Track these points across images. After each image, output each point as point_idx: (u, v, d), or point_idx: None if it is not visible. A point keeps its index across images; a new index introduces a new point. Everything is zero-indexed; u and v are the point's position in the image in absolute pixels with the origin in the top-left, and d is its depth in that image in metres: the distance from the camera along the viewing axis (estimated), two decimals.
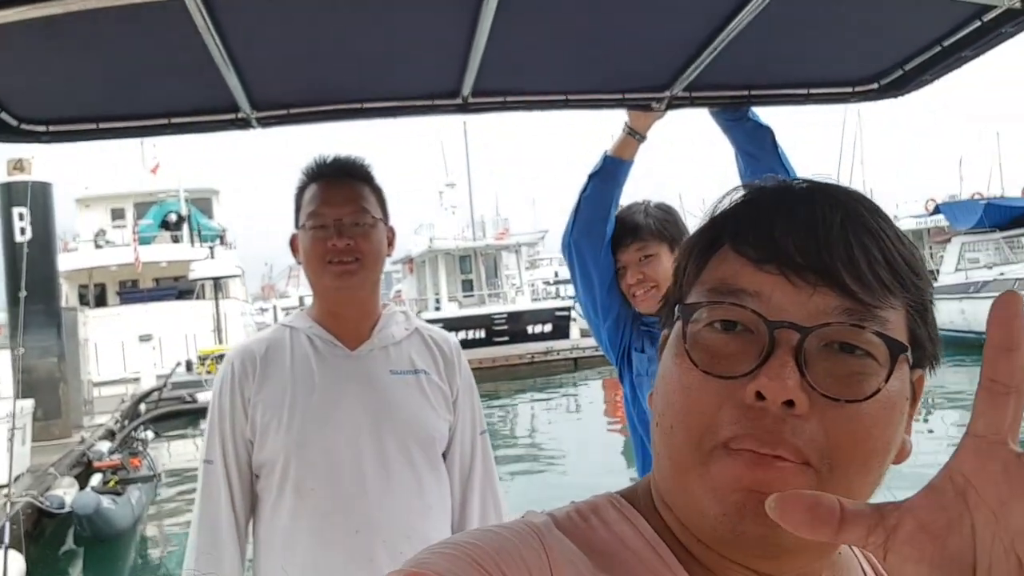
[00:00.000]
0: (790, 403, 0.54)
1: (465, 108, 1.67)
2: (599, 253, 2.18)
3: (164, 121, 1.60)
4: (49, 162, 14.73)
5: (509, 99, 1.71)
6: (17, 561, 7.09)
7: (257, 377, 1.72)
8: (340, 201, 1.71)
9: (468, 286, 28.46)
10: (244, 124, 1.64)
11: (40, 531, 8.77)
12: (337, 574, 1.65)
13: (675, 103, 1.75)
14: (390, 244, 1.80)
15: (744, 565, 0.60)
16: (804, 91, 1.76)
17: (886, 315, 0.57)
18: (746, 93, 1.76)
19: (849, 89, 1.76)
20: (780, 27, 1.42)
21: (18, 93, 1.44)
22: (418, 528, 1.71)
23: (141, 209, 30.25)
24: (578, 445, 12.95)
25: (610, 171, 2.13)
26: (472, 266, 28.61)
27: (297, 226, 1.77)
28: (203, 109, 1.62)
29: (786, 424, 0.54)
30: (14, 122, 1.50)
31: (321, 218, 1.70)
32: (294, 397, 1.69)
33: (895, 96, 1.73)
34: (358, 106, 1.66)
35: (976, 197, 26.48)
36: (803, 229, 0.58)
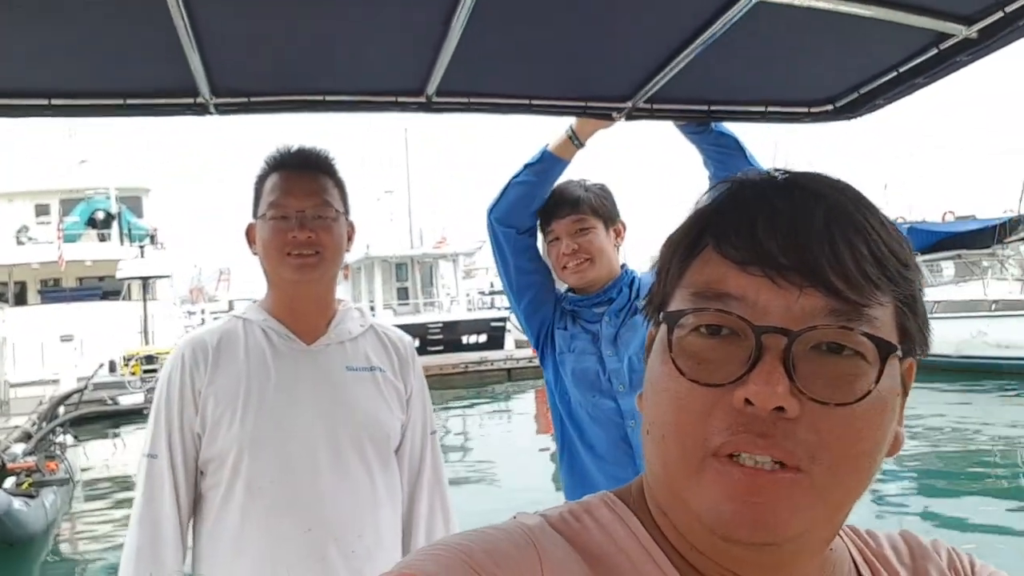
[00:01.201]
0: (780, 408, 0.54)
1: (429, 107, 1.67)
2: (518, 236, 2.22)
3: (120, 101, 1.56)
4: None
5: (473, 100, 1.72)
6: None
7: (209, 368, 1.67)
8: (303, 193, 1.69)
9: (403, 294, 28.31)
10: (202, 110, 1.60)
11: None
12: (288, 572, 1.62)
13: (635, 115, 1.77)
14: (350, 239, 1.79)
15: (735, 572, 0.60)
16: (762, 108, 1.80)
17: (874, 313, 0.57)
18: (705, 108, 1.80)
19: (805, 109, 1.80)
20: (742, 46, 1.46)
21: None
22: (370, 527, 1.70)
23: (67, 206, 29.27)
24: (509, 456, 12.97)
25: (546, 166, 2.16)
26: (408, 274, 28.47)
27: (256, 215, 1.74)
28: (161, 91, 1.57)
29: (777, 427, 0.54)
30: None
31: (283, 209, 1.67)
32: (248, 390, 1.65)
33: (849, 118, 1.78)
34: (320, 98, 1.64)
35: (899, 221, 27.50)
36: (786, 227, 0.57)
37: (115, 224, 28.47)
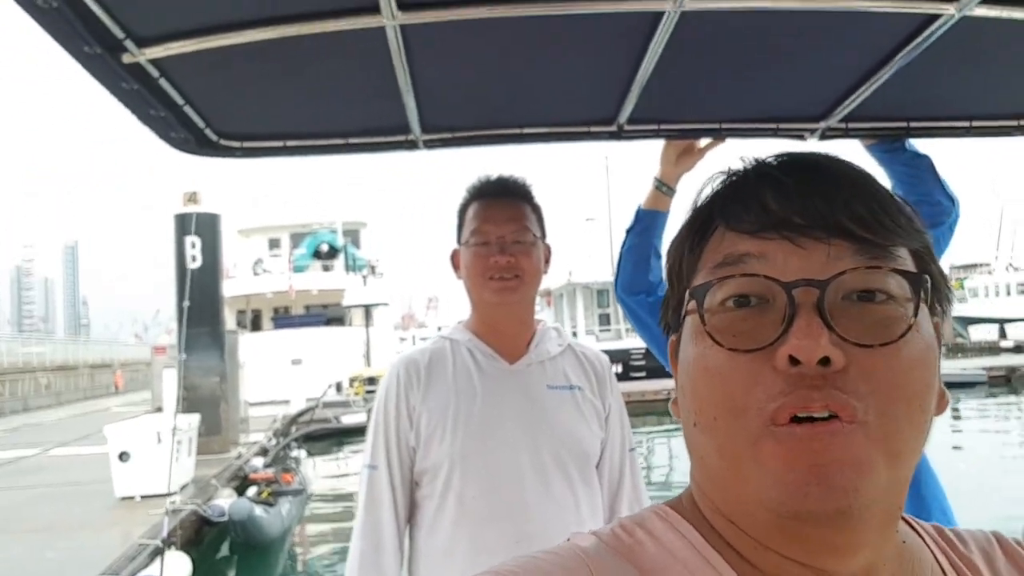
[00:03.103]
0: (825, 361, 0.52)
1: (620, 135, 1.72)
2: (647, 300, 2.17)
3: (342, 141, 1.70)
4: (217, 195, 15.82)
5: (663, 127, 1.75)
6: (184, 563, 7.63)
7: (422, 386, 1.76)
8: (502, 219, 1.76)
9: (605, 320, 28.41)
10: (412, 145, 1.72)
11: (200, 537, 9.35)
12: None
13: (829, 134, 1.74)
14: (547, 261, 1.85)
15: (803, 563, 0.57)
16: (967, 123, 1.71)
17: (899, 252, 0.57)
18: (904, 125, 1.73)
19: (1014, 123, 1.71)
20: (943, 60, 1.40)
21: (222, 111, 1.55)
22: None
23: (296, 239, 31.93)
24: None
25: (645, 224, 2.12)
26: (610, 300, 28.54)
27: (459, 242, 1.84)
28: (378, 130, 1.70)
29: (827, 380, 0.53)
30: (215, 137, 1.62)
31: (484, 235, 1.76)
32: (457, 407, 1.73)
33: None
34: (517, 131, 1.72)
35: None
36: (797, 194, 0.57)
37: (340, 256, 30.62)
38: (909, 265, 0.58)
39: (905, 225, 0.58)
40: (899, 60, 1.40)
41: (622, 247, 2.21)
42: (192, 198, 14.89)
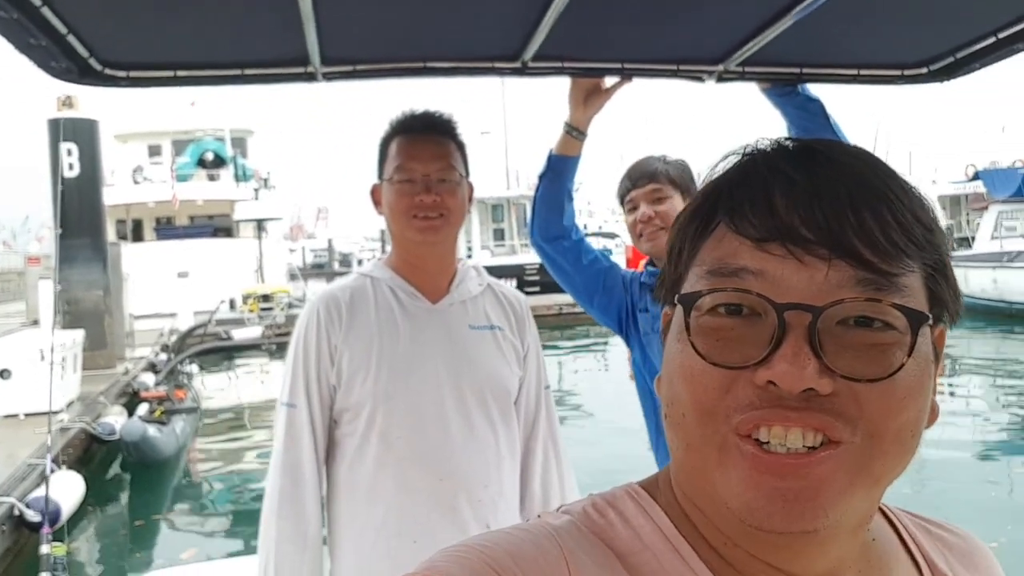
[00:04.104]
0: (810, 388, 0.51)
1: (524, 71, 1.71)
2: (563, 245, 2.26)
3: (238, 72, 1.64)
4: (95, 99, 14.91)
5: (567, 65, 1.75)
6: (77, 482, 7.49)
7: (344, 324, 1.75)
8: (428, 157, 1.75)
9: (500, 235, 28.51)
10: (311, 78, 1.67)
11: (90, 456, 9.17)
12: (420, 520, 1.70)
13: (726, 77, 1.78)
14: (470, 200, 1.85)
15: (771, 564, 0.57)
16: (854, 71, 1.77)
17: (904, 281, 0.53)
18: (797, 71, 1.78)
19: (898, 72, 1.77)
20: (836, 8, 1.44)
21: (107, 40, 1.48)
22: (494, 478, 1.77)
23: (178, 147, 30.47)
24: (605, 400, 13.09)
25: (557, 169, 2.19)
26: (504, 215, 28.62)
27: (380, 178, 1.81)
28: (275, 62, 1.65)
29: (810, 403, 0.51)
30: (99, 67, 1.54)
31: (408, 172, 1.74)
32: (380, 347, 1.73)
33: (942, 81, 1.75)
34: (420, 65, 1.68)
35: (1017, 165, 25.87)
36: (805, 199, 0.54)
37: (230, 166, 29.44)
38: (916, 291, 0.54)
39: (920, 238, 0.55)
40: (797, 11, 1.44)
41: (535, 194, 2.26)
42: (67, 102, 13.99)
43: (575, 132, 2.13)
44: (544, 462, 1.93)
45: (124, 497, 9.12)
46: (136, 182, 28.79)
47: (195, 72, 1.64)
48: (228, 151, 29.69)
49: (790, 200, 0.54)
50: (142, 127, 30.69)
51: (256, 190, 27.94)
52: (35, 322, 13.41)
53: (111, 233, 24.90)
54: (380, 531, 1.71)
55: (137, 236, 28.22)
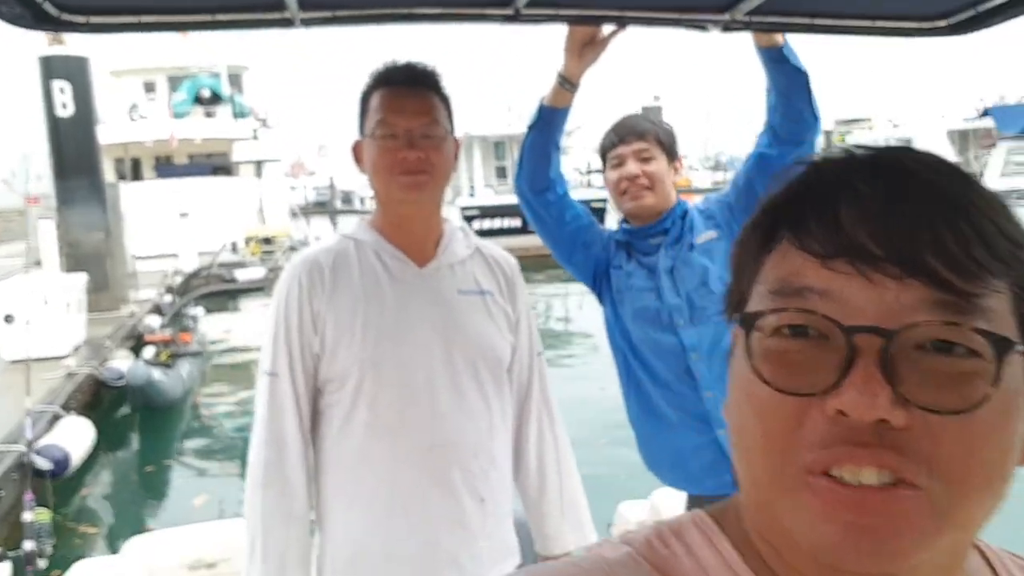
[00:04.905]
0: (883, 420, 0.46)
1: (517, 18, 1.60)
2: (548, 198, 2.26)
3: (208, 17, 1.54)
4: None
5: (562, 12, 1.64)
6: (88, 428, 7.47)
7: (327, 290, 1.67)
8: (412, 111, 1.65)
9: (502, 173, 28.24)
10: (288, 23, 1.57)
11: (99, 401, 9.16)
12: (411, 489, 1.65)
13: (732, 26, 1.67)
14: (455, 156, 1.75)
15: None
16: (869, 22, 1.68)
17: (988, 303, 0.48)
18: (808, 21, 1.69)
19: (915, 24, 1.68)
20: None
21: None
22: (486, 446, 1.72)
23: (174, 83, 29.99)
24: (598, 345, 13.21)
25: (547, 120, 2.17)
26: (506, 153, 28.31)
27: (362, 133, 1.71)
28: (249, 5, 1.55)
29: (883, 437, 0.46)
30: (55, 11, 1.43)
31: (391, 127, 1.64)
32: (367, 312, 1.66)
33: (961, 34, 1.66)
34: (405, 11, 1.58)
35: None
36: (875, 213, 0.49)
37: (227, 103, 29.02)
38: (1002, 315, 0.49)
39: (1006, 253, 0.49)
40: None
41: (524, 142, 2.25)
42: (57, 38, 13.61)
43: (567, 84, 2.10)
44: (539, 431, 1.88)
45: (134, 442, 9.14)
46: (132, 120, 28.40)
47: (161, 18, 1.51)
48: (224, 88, 29.19)
49: (857, 213, 0.49)
50: (136, 63, 30.14)
51: (255, 131, 27.56)
52: (37, 263, 13.29)
53: (110, 173, 24.76)
54: (371, 503, 1.66)
55: (136, 175, 27.94)
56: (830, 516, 0.47)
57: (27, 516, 5.26)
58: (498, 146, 28.40)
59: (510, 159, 28.18)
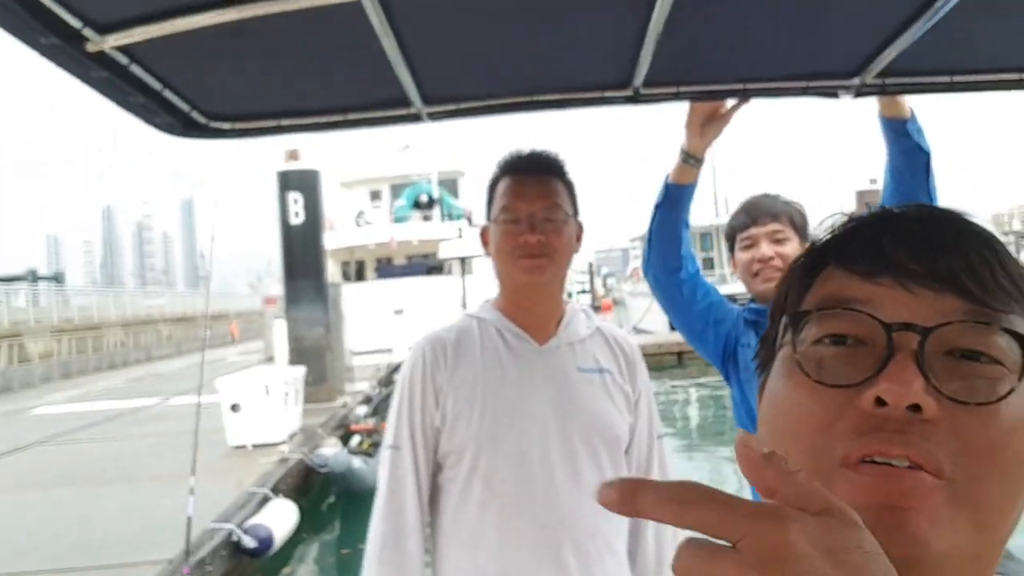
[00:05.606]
0: (916, 407, 0.49)
1: (636, 99, 1.61)
2: (679, 275, 2.21)
3: (340, 117, 1.64)
4: (317, 150, 16.11)
5: (683, 89, 1.63)
6: (292, 510, 7.98)
7: (449, 365, 1.73)
8: (533, 196, 1.71)
9: (709, 264, 27.77)
10: (415, 119, 1.66)
11: (308, 485, 9.74)
12: (523, 568, 1.65)
13: (864, 91, 1.59)
14: (578, 239, 1.79)
15: None
16: (1018, 75, 1.54)
17: (1012, 318, 0.52)
18: (948, 79, 1.57)
19: None
20: (989, 5, 1.26)
21: (207, 93, 1.51)
22: (602, 528, 1.69)
23: (396, 191, 32.35)
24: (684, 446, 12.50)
25: (674, 198, 2.13)
26: (713, 243, 27.89)
27: (489, 219, 1.79)
28: (376, 104, 1.65)
29: (913, 427, 0.49)
30: (203, 120, 1.57)
31: (514, 212, 1.71)
32: (485, 388, 1.70)
33: None
34: (527, 99, 1.64)
35: None
36: (914, 240, 0.55)
37: (437, 206, 30.91)
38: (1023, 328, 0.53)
39: (1022, 282, 0.55)
40: (942, 3, 1.23)
41: (651, 223, 2.21)
42: (293, 155, 15.21)
43: (692, 160, 2.07)
44: None
45: (336, 526, 9.58)
46: (359, 225, 30.79)
47: (299, 120, 1.65)
48: (435, 192, 31.12)
49: (899, 241, 0.55)
50: (364, 174, 32.90)
51: (460, 229, 29.03)
52: (270, 359, 14.56)
53: (337, 274, 26.87)
54: None
55: (359, 276, 30.13)
56: (865, 502, 0.48)
57: None
58: (704, 237, 28.08)
59: (716, 250, 27.73)
